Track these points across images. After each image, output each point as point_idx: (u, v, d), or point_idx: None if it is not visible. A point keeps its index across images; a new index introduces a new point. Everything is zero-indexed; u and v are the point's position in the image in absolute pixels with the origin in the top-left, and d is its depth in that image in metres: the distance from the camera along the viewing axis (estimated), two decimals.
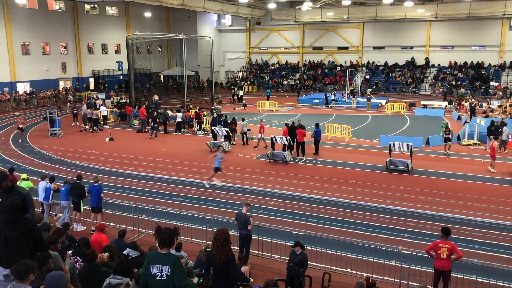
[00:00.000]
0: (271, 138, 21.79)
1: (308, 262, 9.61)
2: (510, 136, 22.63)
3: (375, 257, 10.68)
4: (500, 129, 23.03)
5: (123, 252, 7.78)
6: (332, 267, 10.42)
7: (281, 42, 60.71)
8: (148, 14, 53.44)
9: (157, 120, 27.62)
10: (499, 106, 35.53)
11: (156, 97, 36.34)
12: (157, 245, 5.27)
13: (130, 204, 12.93)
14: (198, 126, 29.14)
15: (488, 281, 9.25)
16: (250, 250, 11.00)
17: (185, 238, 11.79)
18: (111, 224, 13.26)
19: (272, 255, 11.26)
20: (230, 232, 7.05)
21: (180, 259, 5.24)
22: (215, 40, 45.80)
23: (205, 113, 31.39)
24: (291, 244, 9.74)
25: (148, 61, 51.89)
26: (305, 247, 9.82)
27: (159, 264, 5.06)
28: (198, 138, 27.27)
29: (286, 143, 21.68)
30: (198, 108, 31.71)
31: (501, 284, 9.29)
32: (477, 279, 9.38)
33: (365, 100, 40.08)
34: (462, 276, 9.48)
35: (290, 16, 53.97)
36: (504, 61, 48.98)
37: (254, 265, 10.76)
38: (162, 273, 5.05)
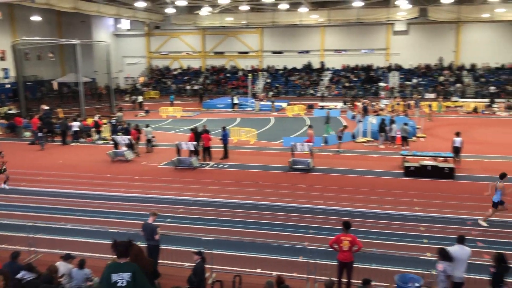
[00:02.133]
0: (177, 144, 21.47)
1: (219, 267, 9.59)
2: (398, 133, 24.64)
3: (283, 255, 10.99)
4: (389, 126, 25.05)
5: (17, 276, 7.14)
6: (242, 269, 10.51)
7: (182, 46, 60.17)
8: (36, 18, 49.74)
9: (44, 130, 26.06)
10: (387, 105, 38.50)
11: (44, 106, 34.05)
12: (115, 256, 6.03)
13: (24, 223, 11.91)
14: (98, 135, 27.78)
15: (386, 268, 9.97)
16: (159, 260, 10.70)
17: (88, 254, 11.15)
18: (3, 246, 12.11)
19: (182, 263, 11.07)
20: (138, 244, 6.84)
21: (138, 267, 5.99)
22: (112, 45, 44.05)
23: (104, 121, 30.03)
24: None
25: (39, 68, 48.34)
26: (215, 251, 9.79)
27: (120, 272, 5.76)
28: (98, 148, 26.00)
29: (192, 148, 21.50)
30: (97, 116, 30.25)
31: (398, 269, 10.05)
32: (376, 267, 10.06)
33: (269, 103, 41.26)
34: (363, 266, 10.09)
35: (190, 21, 53.74)
36: (390, 64, 53.33)
37: (164, 275, 10.49)
38: (123, 280, 5.72)
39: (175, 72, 59.81)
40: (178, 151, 21.36)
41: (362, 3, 41.71)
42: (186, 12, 53.56)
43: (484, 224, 13.47)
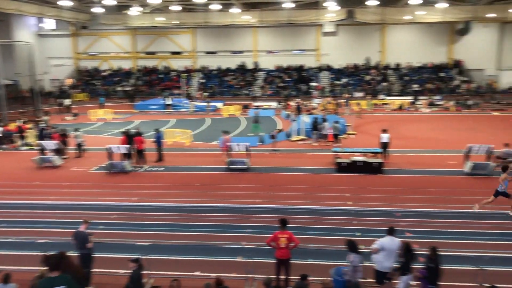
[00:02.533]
0: (108, 148, 20.72)
1: (157, 272, 9.37)
2: (330, 130, 25.42)
3: (222, 256, 10.95)
4: (322, 124, 25.80)
5: None
6: (181, 273, 10.35)
7: (111, 47, 58.23)
8: None
9: None
10: (319, 104, 39.61)
11: None
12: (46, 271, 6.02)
13: None
14: (22, 140, 26.18)
15: (322, 263, 10.23)
16: (93, 269, 10.26)
17: (13, 267, 10.45)
18: None
19: (118, 270, 10.70)
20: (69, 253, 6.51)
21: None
22: (36, 45, 41.62)
23: (29, 126, 28.36)
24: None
25: None
26: (152, 257, 9.56)
27: (53, 286, 5.68)
28: (23, 154, 24.51)
29: (125, 152, 20.85)
30: (21, 120, 28.49)
31: (333, 263, 10.33)
32: (313, 262, 10.30)
33: (204, 104, 41.05)
34: (300, 262, 10.28)
35: (119, 21, 52.08)
36: (321, 64, 54.96)
37: (98, 284, 10.08)
38: None
39: (105, 74, 57.78)
40: (110, 155, 20.62)
41: (293, 5, 42.63)
42: (115, 12, 51.83)
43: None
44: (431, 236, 12.54)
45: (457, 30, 51.63)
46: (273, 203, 15.63)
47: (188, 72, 54.40)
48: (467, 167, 18.85)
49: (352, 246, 9.11)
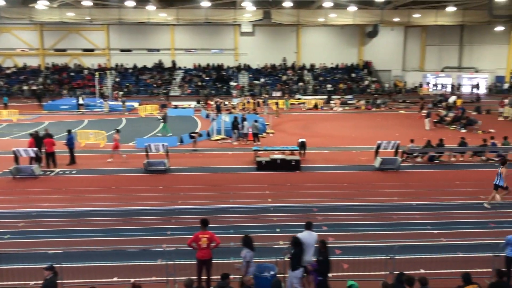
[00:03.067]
0: (14, 151, 19.24)
1: (72, 280, 8.89)
2: (249, 129, 25.72)
3: (141, 260, 10.63)
4: (242, 123, 26.03)
5: None
6: (98, 280, 9.89)
7: (16, 43, 54.11)
8: None
9: None
10: (238, 103, 39.95)
11: None
12: None
13: None
14: None
15: (242, 260, 10.29)
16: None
17: None
18: None
19: (27, 282, 9.98)
20: None
21: None
22: None
23: None
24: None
25: None
26: (66, 265, 9.04)
27: None
28: None
29: (33, 155, 19.49)
30: None
31: (255, 260, 10.44)
32: (234, 261, 10.35)
33: (120, 103, 39.61)
34: (221, 261, 10.29)
35: (24, 15, 48.42)
36: (239, 63, 55.43)
37: None
38: None
39: (9, 71, 53.61)
40: (16, 158, 19.16)
41: (209, 3, 42.50)
42: (19, 5, 48.23)
43: (488, 206, 15.05)
44: (346, 229, 13.18)
45: (367, 33, 54.77)
46: (194, 203, 15.48)
47: (102, 70, 52.18)
48: (377, 162, 20.03)
49: (246, 242, 9.26)
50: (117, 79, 52.79)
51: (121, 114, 37.37)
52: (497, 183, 14.92)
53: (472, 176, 19.05)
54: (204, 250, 9.49)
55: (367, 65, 56.06)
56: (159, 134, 27.86)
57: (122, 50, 55.35)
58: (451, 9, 44.12)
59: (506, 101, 36.11)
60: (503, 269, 9.02)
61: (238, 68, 55.11)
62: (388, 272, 9.84)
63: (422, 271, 10.19)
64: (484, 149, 21.62)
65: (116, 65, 55.04)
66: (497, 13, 41.95)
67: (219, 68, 55.19)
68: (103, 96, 45.31)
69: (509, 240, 9.67)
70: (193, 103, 42.06)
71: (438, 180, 18.40)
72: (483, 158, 21.60)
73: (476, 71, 54.62)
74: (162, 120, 28.54)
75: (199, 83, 52.24)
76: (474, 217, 14.20)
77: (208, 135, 27.10)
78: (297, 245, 9.05)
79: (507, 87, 51.73)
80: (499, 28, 50.87)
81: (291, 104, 42.45)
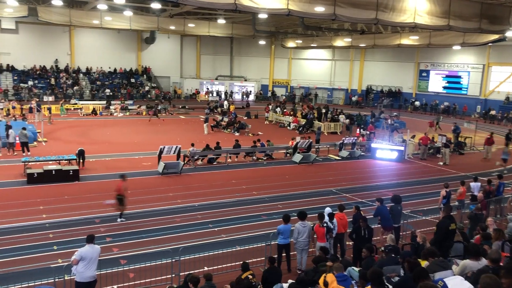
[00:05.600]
0: None
1: None
2: (17, 138, 22.84)
3: None
4: (6, 132, 22.90)
5: None
6: None
7: None
8: None
9: None
10: (1, 109, 35.08)
11: None
12: None
13: None
14: None
15: (24, 286, 9.09)
16: None
17: None
18: None
19: None
20: None
21: None
22: None
23: None
24: None
25: None
26: None
27: None
28: None
29: None
30: None
31: (28, 284, 9.31)
32: (16, 286, 9.05)
33: None
34: None
35: None
36: (1, 64, 48.64)
37: None
38: None
39: None
40: None
41: None
42: None
43: None
44: (130, 237, 12.94)
45: (144, 39, 54.87)
46: None
47: None
48: (160, 167, 20.26)
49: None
50: None
51: None
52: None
53: (246, 174, 21.06)
54: None
55: (147, 70, 56.20)
56: None
57: None
58: (221, 21, 47.70)
59: (270, 107, 41.18)
60: (274, 256, 10.19)
61: (0, 69, 48.34)
62: (174, 275, 10.02)
63: (206, 268, 10.72)
64: (255, 150, 24.14)
65: None
66: (259, 29, 47.24)
67: None
68: None
69: (279, 229, 10.99)
70: None
71: (217, 180, 19.71)
72: (254, 158, 24.10)
73: (245, 80, 60.56)
74: None
75: None
76: (248, 212, 15.69)
77: None
78: None
79: (270, 94, 59.05)
80: (262, 42, 57.56)
81: (67, 109, 39.40)
